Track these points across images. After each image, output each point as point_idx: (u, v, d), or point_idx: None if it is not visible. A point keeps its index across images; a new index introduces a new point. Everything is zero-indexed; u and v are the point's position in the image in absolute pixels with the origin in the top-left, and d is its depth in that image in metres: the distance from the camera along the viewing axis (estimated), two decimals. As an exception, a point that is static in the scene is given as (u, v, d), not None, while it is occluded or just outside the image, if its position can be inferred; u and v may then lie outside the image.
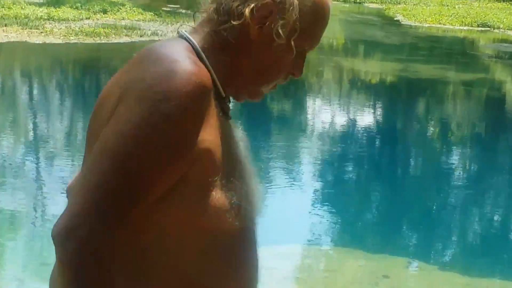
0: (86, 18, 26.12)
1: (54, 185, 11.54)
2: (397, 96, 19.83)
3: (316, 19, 2.31)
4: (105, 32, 23.76)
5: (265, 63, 2.31)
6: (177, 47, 2.19)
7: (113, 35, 23.69)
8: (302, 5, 2.22)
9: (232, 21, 2.23)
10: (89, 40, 22.69)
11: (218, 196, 2.10)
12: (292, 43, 2.23)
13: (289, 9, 2.20)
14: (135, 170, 1.97)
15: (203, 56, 2.20)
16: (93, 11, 27.68)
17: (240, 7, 2.21)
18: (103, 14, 27.47)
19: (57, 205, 10.08)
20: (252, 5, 2.20)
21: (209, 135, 2.07)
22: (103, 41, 22.87)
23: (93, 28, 24.23)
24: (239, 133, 2.34)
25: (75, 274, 1.91)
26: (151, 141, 1.99)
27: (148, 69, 2.08)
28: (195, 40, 2.25)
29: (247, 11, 2.19)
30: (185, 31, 2.29)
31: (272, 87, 2.40)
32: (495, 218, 12.42)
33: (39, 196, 11.55)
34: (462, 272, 10.06)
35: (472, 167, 14.82)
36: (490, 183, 13.70)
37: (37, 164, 12.81)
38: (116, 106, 2.05)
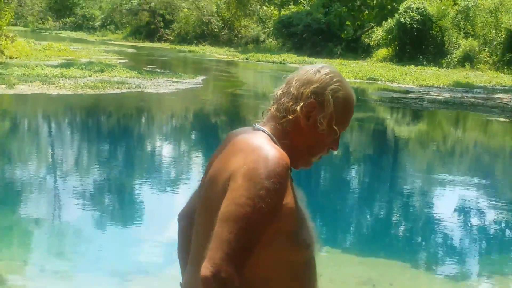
0: (89, 76, 26.25)
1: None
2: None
3: (346, 109, 2.61)
4: (102, 86, 23.90)
5: (313, 143, 2.60)
6: (261, 138, 2.49)
7: (108, 88, 23.79)
8: (335, 101, 2.54)
9: (288, 116, 2.54)
10: (91, 92, 22.69)
11: (300, 238, 2.44)
12: (333, 127, 2.57)
13: (327, 105, 2.53)
14: (252, 228, 2.29)
15: (277, 142, 2.50)
16: (94, 71, 27.84)
17: (293, 106, 2.54)
18: (101, 73, 27.65)
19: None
20: (301, 104, 2.53)
21: (290, 198, 2.39)
22: (101, 92, 22.83)
23: (94, 83, 24.35)
24: (298, 190, 2.54)
25: None
26: (260, 208, 2.27)
27: (249, 157, 2.38)
28: (268, 131, 2.55)
29: (298, 108, 2.53)
30: (258, 125, 2.57)
31: (319, 158, 2.68)
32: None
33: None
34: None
35: (363, 181, 14.83)
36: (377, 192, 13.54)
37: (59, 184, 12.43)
38: (228, 183, 2.36)
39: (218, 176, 2.46)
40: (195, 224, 2.62)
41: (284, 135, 2.55)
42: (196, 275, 2.36)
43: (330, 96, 2.52)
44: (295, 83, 2.57)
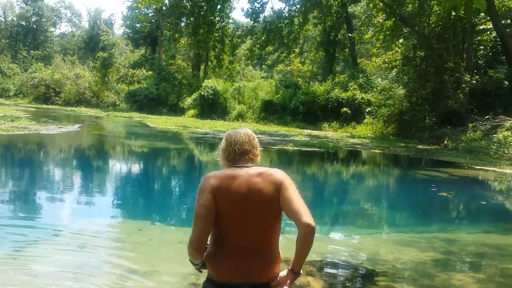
0: (3, 124, 23.94)
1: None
2: (150, 155, 19.44)
3: None
4: (12, 129, 22.36)
5: None
6: (265, 167, 2.68)
7: (16, 130, 22.18)
8: None
9: (258, 158, 2.76)
10: (4, 133, 21.01)
11: None
12: None
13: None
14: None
15: None
16: (7, 120, 25.50)
17: (258, 152, 2.76)
18: (12, 121, 25.31)
19: None
20: (259, 152, 2.76)
21: None
22: (10, 133, 21.21)
23: (6, 127, 22.60)
24: None
25: (313, 237, 2.42)
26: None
27: (280, 173, 2.60)
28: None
29: (259, 153, 2.77)
30: (250, 164, 2.70)
31: None
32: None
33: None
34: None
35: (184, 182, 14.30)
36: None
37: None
38: (280, 188, 2.53)
39: (267, 186, 2.54)
40: (244, 225, 2.55)
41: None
42: (272, 255, 2.59)
43: None
44: (251, 145, 2.72)
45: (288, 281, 2.58)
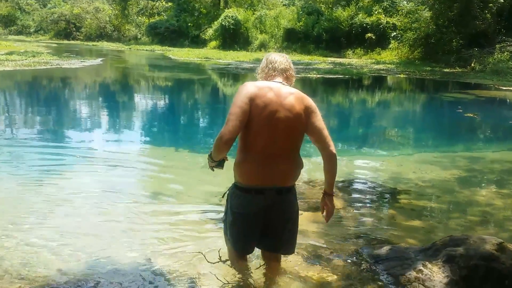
0: (25, 59, 23.99)
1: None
2: (174, 86, 19.40)
3: None
4: (33, 64, 22.34)
5: None
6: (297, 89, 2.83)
7: (37, 65, 22.22)
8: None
9: (293, 79, 2.92)
10: (25, 68, 21.10)
11: None
12: None
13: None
14: None
15: None
16: (28, 56, 25.54)
17: (293, 74, 2.91)
18: (33, 57, 25.34)
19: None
20: (294, 74, 2.93)
21: None
22: (32, 68, 21.32)
23: (28, 63, 22.59)
24: None
25: (336, 162, 2.76)
26: None
27: (310, 100, 2.78)
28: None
29: (294, 75, 2.93)
30: (284, 83, 2.85)
31: None
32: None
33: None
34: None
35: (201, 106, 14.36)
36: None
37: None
38: (309, 111, 2.72)
39: (299, 105, 2.69)
40: (271, 132, 2.67)
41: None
42: (294, 161, 2.77)
43: None
44: (289, 65, 2.88)
45: (328, 203, 2.91)
